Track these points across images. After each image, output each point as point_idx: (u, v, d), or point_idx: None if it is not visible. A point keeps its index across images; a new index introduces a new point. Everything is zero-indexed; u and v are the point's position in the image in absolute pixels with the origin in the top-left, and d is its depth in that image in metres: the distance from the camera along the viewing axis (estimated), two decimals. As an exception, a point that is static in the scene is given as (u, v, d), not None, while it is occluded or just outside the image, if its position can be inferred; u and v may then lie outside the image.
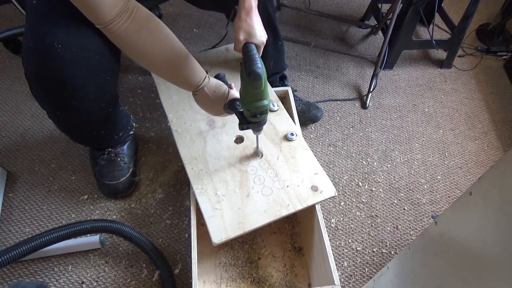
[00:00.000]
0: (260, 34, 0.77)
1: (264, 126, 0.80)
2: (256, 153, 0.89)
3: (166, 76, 0.78)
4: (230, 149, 0.91)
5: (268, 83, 0.70)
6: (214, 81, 0.80)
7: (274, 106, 0.99)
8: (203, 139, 0.93)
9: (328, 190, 0.84)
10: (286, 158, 0.90)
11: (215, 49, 1.15)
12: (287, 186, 0.84)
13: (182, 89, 0.80)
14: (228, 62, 1.10)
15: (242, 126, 0.79)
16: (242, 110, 0.77)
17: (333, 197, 0.85)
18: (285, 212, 0.80)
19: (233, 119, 0.96)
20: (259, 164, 0.88)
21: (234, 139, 0.93)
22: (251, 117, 0.75)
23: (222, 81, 0.82)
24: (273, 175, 0.86)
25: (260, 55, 0.77)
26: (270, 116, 0.96)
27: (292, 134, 0.93)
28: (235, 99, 0.80)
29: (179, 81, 0.78)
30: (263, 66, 0.68)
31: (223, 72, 0.88)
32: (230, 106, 0.79)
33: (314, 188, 0.84)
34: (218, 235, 0.76)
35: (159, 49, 0.72)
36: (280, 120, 0.97)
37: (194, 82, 0.77)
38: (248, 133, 0.93)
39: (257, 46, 0.76)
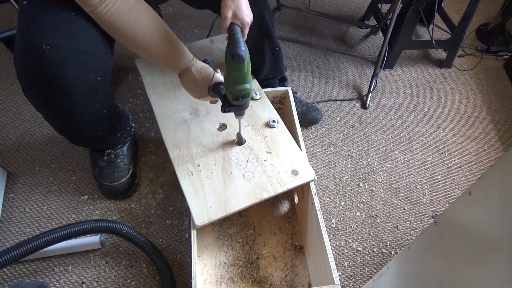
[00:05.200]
0: (246, 15, 0.79)
1: (246, 111, 0.84)
2: (239, 139, 0.92)
3: (155, 58, 0.79)
4: (213, 136, 0.94)
5: (250, 68, 0.74)
6: (200, 63, 0.83)
7: (256, 94, 1.02)
8: (187, 127, 0.95)
9: (307, 174, 0.88)
10: (268, 144, 0.93)
11: (200, 41, 1.17)
12: (268, 171, 0.88)
13: (169, 70, 0.82)
14: (212, 54, 1.13)
15: (224, 109, 0.82)
16: (225, 94, 0.79)
17: (313, 180, 0.88)
18: (266, 195, 0.83)
19: (217, 108, 0.99)
20: (241, 150, 0.92)
21: (217, 126, 0.96)
22: (233, 100, 0.77)
23: (207, 63, 0.84)
24: (254, 160, 0.90)
25: (245, 37, 0.80)
26: (252, 104, 1.01)
27: (273, 121, 0.96)
28: (219, 83, 0.83)
29: (167, 62, 0.80)
30: (247, 49, 0.71)
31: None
32: (214, 89, 0.82)
33: (295, 172, 0.88)
34: (200, 217, 0.80)
35: (149, 31, 0.73)
36: (262, 108, 1.01)
37: (182, 63, 0.80)
38: (231, 120, 0.97)
39: (242, 27, 0.79)
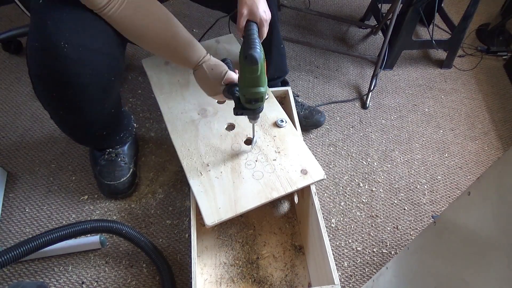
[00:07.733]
0: (263, 11, 0.76)
1: (260, 114, 0.82)
2: (251, 143, 0.91)
3: (165, 55, 0.80)
4: (221, 136, 0.94)
5: (265, 70, 0.70)
6: (214, 60, 0.80)
7: None
8: (195, 127, 0.95)
9: (317, 173, 0.88)
10: (276, 144, 0.93)
11: (206, 41, 1.17)
12: (278, 170, 0.87)
13: (181, 66, 0.82)
14: (218, 54, 1.12)
15: (237, 111, 0.78)
16: (239, 96, 0.76)
17: (322, 180, 0.89)
18: (276, 194, 0.83)
19: (225, 108, 1.00)
20: (250, 150, 0.92)
21: (226, 126, 0.96)
22: (246, 103, 0.74)
23: (225, 63, 0.81)
24: (263, 160, 0.90)
25: (264, 36, 0.78)
26: None
27: (282, 121, 0.97)
28: (235, 84, 0.78)
29: (178, 59, 0.80)
30: (262, 50, 0.66)
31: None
32: (229, 90, 0.78)
33: (304, 172, 0.88)
34: (211, 217, 0.79)
35: (156, 30, 0.74)
36: (270, 108, 1.01)
37: (193, 59, 0.78)
38: (239, 121, 0.97)
39: (260, 25, 0.76)
